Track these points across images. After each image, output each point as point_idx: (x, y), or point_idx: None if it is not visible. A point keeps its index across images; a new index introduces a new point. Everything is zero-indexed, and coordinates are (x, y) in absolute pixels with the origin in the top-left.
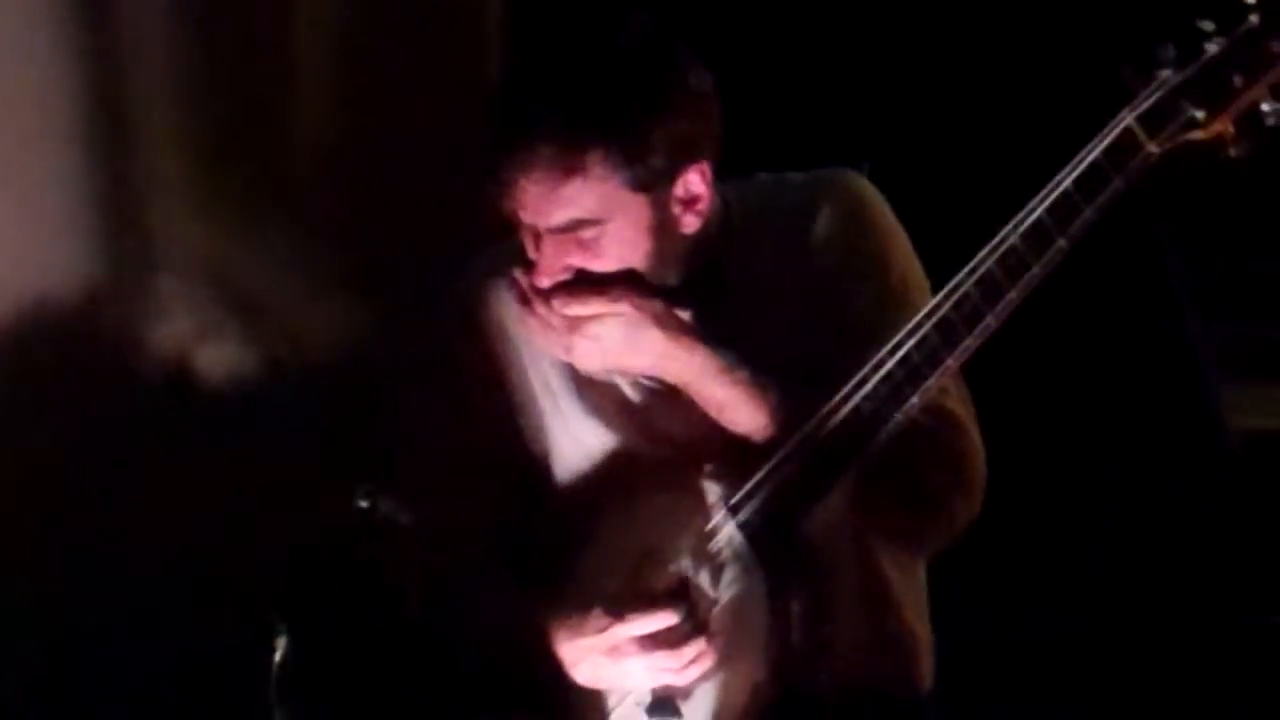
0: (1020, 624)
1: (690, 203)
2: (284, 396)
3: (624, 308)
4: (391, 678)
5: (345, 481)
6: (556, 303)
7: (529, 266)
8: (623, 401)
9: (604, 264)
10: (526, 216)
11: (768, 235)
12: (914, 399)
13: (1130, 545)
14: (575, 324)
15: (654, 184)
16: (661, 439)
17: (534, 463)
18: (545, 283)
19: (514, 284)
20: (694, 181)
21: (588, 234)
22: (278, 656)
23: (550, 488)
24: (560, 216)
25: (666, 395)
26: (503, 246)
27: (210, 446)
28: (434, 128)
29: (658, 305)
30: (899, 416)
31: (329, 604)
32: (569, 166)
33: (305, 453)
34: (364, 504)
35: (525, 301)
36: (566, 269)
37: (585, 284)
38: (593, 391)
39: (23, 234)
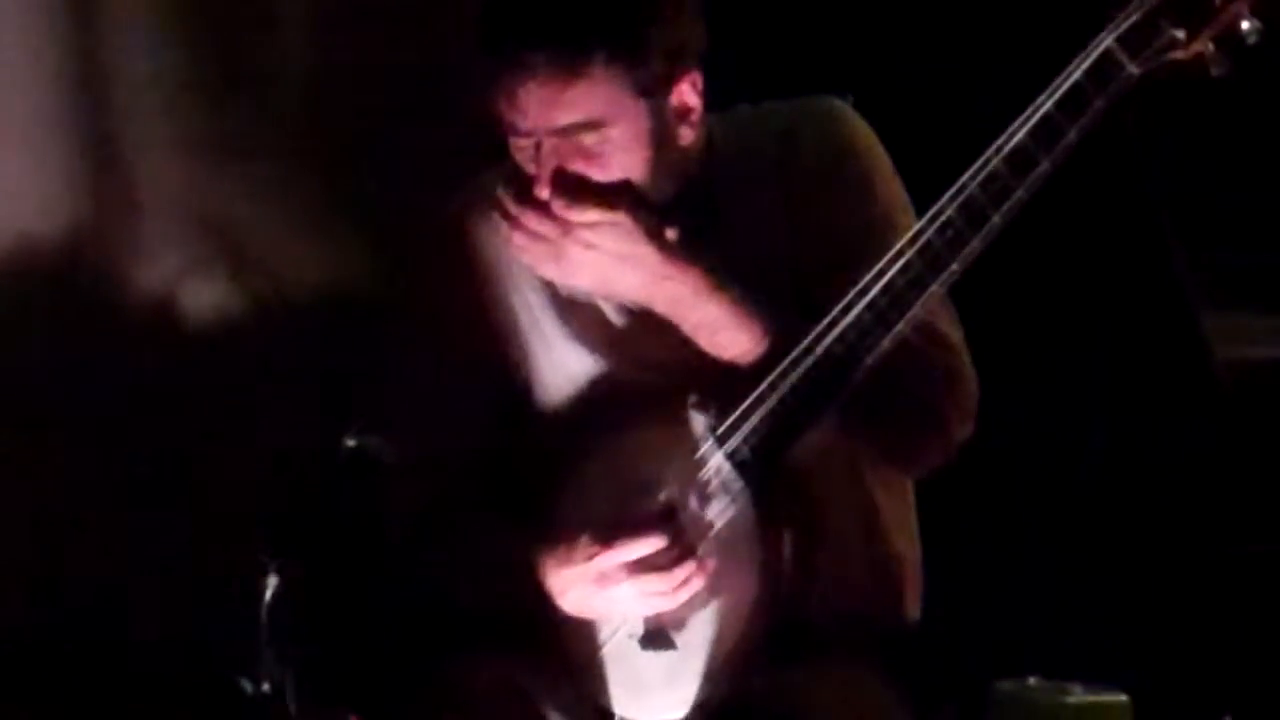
0: (1009, 555)
1: (684, 113)
2: (271, 334)
3: (622, 217)
4: (381, 614)
5: (334, 419)
6: (556, 205)
7: (518, 183)
8: (607, 328)
9: (605, 173)
10: (528, 122)
11: (752, 162)
12: (899, 325)
13: (1121, 476)
14: (570, 230)
15: (654, 89)
16: (646, 366)
17: (519, 392)
18: (545, 192)
19: (499, 201)
20: (687, 91)
21: (590, 139)
22: (268, 594)
23: (536, 417)
24: (564, 119)
25: (650, 321)
26: (486, 177)
27: (198, 385)
28: (422, 59)
29: (654, 220)
30: (885, 343)
31: (319, 541)
32: (573, 69)
33: (293, 390)
34: (352, 442)
35: (511, 216)
36: (568, 178)
37: (585, 189)
38: (576, 319)
39: (6, 175)
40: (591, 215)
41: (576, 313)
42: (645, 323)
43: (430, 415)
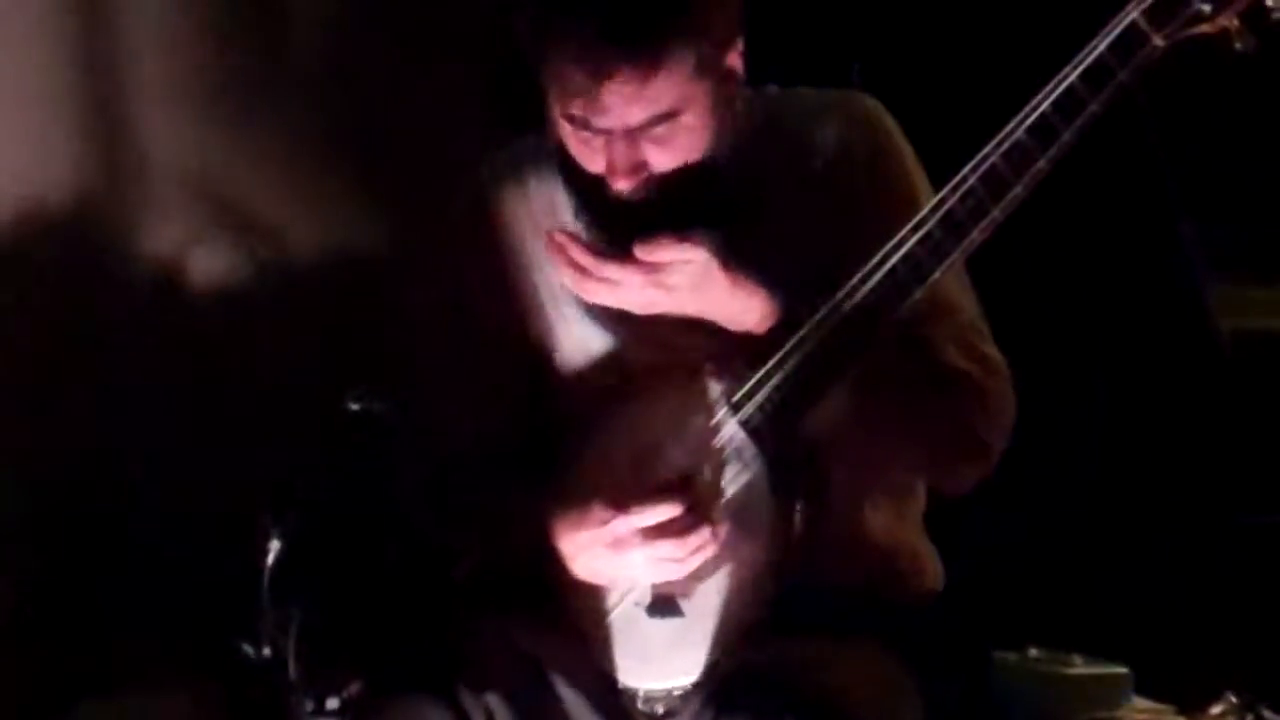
0: (1015, 528)
1: (731, 77)
2: (276, 298)
3: (701, 254)
4: (385, 578)
5: (337, 384)
6: (642, 251)
7: (578, 186)
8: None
9: (673, 155)
10: (605, 121)
11: (781, 146)
12: (916, 294)
13: (1123, 447)
14: (651, 271)
15: (714, 64)
16: (665, 345)
17: (538, 364)
18: (625, 185)
19: (559, 248)
20: (734, 58)
21: (661, 130)
22: (270, 559)
23: (555, 389)
24: (644, 114)
25: None
26: (508, 150)
27: (203, 352)
28: (430, 28)
29: (720, 247)
30: (902, 312)
31: (322, 506)
32: (654, 58)
33: (297, 356)
34: (355, 405)
35: (582, 269)
36: (643, 165)
37: (664, 229)
38: None
39: (15, 142)
40: (675, 254)
41: None
42: None
43: (448, 383)
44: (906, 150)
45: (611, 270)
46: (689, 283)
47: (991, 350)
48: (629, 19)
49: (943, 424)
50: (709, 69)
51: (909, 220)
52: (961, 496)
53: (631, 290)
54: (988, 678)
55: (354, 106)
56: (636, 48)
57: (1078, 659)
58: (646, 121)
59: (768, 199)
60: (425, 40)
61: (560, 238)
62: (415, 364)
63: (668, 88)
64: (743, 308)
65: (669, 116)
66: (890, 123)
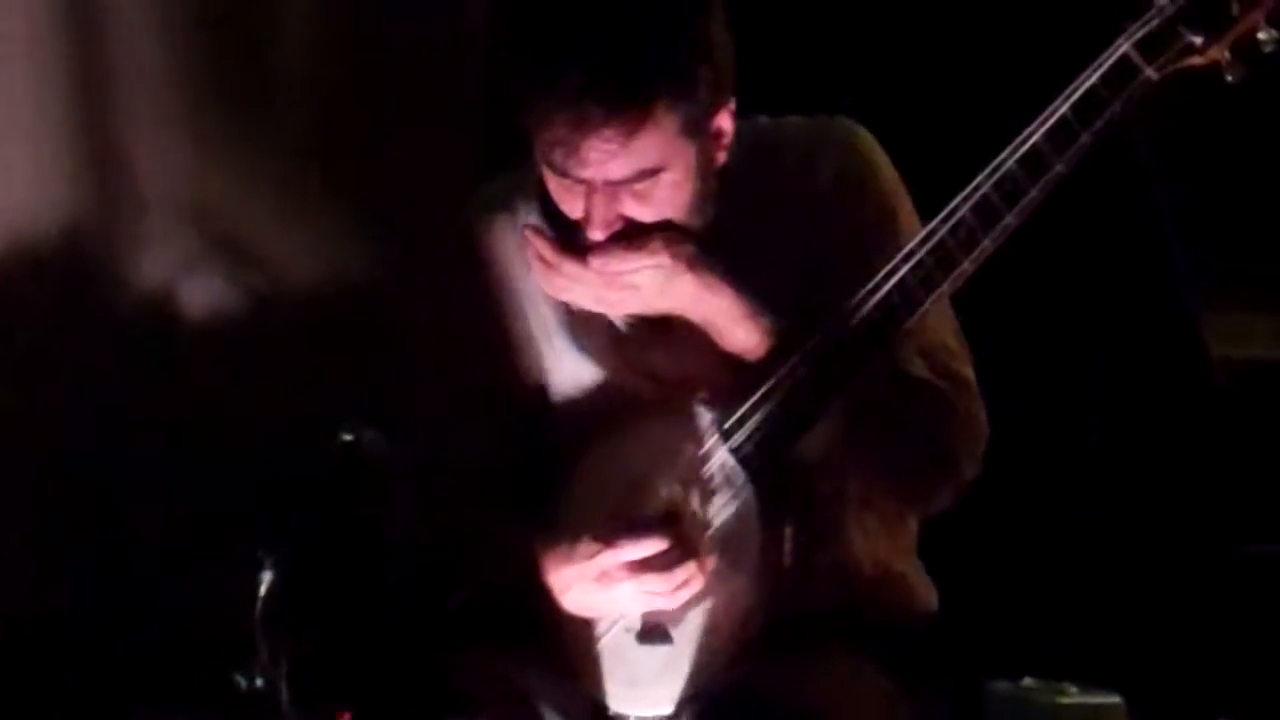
0: (1011, 557)
1: (719, 137)
2: (268, 331)
3: (663, 260)
4: (376, 610)
5: (330, 415)
6: (596, 262)
7: (553, 222)
8: (616, 338)
9: (653, 211)
10: (586, 172)
11: (769, 178)
12: (908, 323)
13: (1118, 476)
14: (612, 278)
15: (702, 125)
16: (654, 375)
17: (529, 396)
18: (600, 235)
19: (531, 244)
20: (724, 118)
21: (642, 185)
22: (263, 589)
23: (546, 420)
24: (625, 169)
25: (659, 333)
26: (500, 182)
27: (196, 381)
28: (424, 58)
29: (690, 250)
30: (892, 342)
31: (314, 537)
32: (639, 118)
33: (290, 388)
34: (348, 438)
35: (546, 260)
36: (619, 219)
37: (622, 240)
38: (586, 330)
39: (5, 172)
40: (634, 263)
41: (586, 324)
42: (655, 335)
43: (443, 416)
44: (894, 180)
45: (570, 267)
46: (654, 284)
47: (964, 371)
48: (615, 77)
49: (908, 434)
50: (696, 130)
51: (895, 250)
52: (957, 524)
53: (595, 289)
54: (981, 707)
55: (348, 135)
56: (621, 106)
57: (1072, 688)
58: (628, 177)
59: (755, 227)
60: (420, 70)
61: (529, 232)
62: (409, 396)
63: (651, 146)
64: (715, 309)
65: (651, 173)
66: (879, 153)
